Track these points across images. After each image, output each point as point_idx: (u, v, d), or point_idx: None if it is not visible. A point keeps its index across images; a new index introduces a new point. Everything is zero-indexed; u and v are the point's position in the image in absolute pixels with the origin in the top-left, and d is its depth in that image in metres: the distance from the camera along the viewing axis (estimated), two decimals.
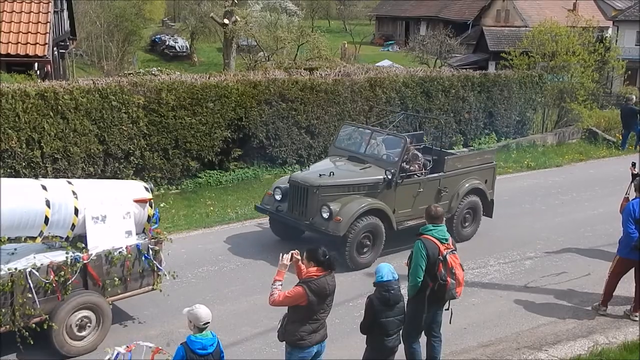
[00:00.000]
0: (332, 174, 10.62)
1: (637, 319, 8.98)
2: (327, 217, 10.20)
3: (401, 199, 10.87)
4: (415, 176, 11.07)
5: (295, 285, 6.20)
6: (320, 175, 10.57)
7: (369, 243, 10.46)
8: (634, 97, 20.94)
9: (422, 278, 6.89)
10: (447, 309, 7.20)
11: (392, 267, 6.69)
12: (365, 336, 6.76)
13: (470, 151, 12.99)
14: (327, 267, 6.25)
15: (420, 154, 11.40)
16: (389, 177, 10.62)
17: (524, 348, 8.22)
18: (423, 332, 7.31)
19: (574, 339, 8.48)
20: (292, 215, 10.72)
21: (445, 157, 11.57)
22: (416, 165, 11.15)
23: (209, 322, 5.79)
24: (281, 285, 6.21)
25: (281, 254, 6.37)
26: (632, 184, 9.23)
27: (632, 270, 8.97)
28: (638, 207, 8.63)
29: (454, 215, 11.53)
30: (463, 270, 7.21)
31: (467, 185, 11.70)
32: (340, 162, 11.33)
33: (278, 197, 11.09)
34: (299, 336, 6.21)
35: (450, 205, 11.47)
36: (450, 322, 7.23)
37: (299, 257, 6.37)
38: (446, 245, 7.03)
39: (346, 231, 10.10)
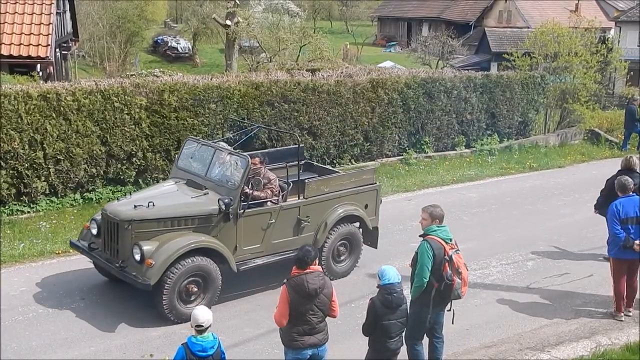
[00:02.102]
0: (151, 204, 8.67)
1: (622, 319, 8.98)
2: (138, 259, 8.35)
3: (246, 233, 9.08)
4: (269, 204, 9.38)
5: (282, 286, 6.35)
6: (135, 206, 8.62)
7: (196, 290, 8.64)
8: (638, 97, 20.91)
9: (428, 279, 6.89)
10: (449, 310, 7.20)
11: (396, 270, 6.70)
12: (367, 338, 6.77)
13: (348, 171, 11.23)
14: (298, 266, 6.31)
15: (273, 177, 9.55)
16: (223, 207, 8.77)
17: (526, 349, 8.21)
18: (426, 333, 7.30)
19: (576, 340, 8.47)
20: (105, 256, 8.86)
21: (306, 181, 9.75)
22: (269, 191, 9.37)
23: (203, 325, 5.78)
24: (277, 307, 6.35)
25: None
26: (615, 182, 9.18)
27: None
28: (622, 207, 8.66)
29: (322, 248, 9.74)
30: (467, 269, 7.21)
31: (338, 212, 9.90)
32: (174, 187, 9.47)
33: (94, 231, 9.17)
34: (291, 337, 6.29)
35: (316, 237, 9.70)
36: (452, 323, 7.22)
37: None
38: (451, 245, 7.03)
39: (160, 278, 8.26)
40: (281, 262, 9.35)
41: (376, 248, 10.58)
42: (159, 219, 8.65)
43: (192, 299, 8.63)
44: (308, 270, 6.27)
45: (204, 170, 9.53)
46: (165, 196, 9.18)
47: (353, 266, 10.30)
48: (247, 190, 9.07)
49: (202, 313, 5.82)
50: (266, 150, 11.99)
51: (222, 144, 10.34)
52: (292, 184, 9.75)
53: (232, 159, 9.40)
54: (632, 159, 10.56)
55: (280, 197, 9.54)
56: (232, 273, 8.97)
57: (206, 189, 9.18)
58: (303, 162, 11.30)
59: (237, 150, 9.88)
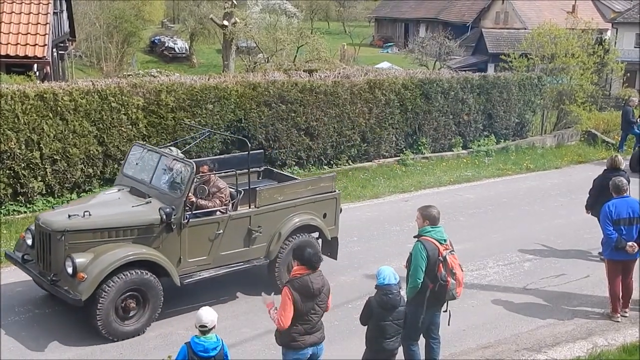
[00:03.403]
0: (87, 213, 8.16)
1: (618, 319, 9.00)
2: (71, 272, 7.86)
3: (191, 245, 8.61)
4: (218, 213, 8.93)
5: (281, 287, 6.32)
6: (69, 216, 8.10)
7: (135, 305, 8.15)
8: (634, 98, 20.97)
9: (422, 279, 6.90)
10: (445, 311, 7.21)
11: (393, 270, 6.70)
12: (364, 336, 6.78)
13: (306, 178, 10.70)
14: (308, 266, 6.27)
15: (223, 186, 9.12)
16: (164, 217, 8.30)
17: (523, 350, 8.22)
18: (422, 334, 7.31)
19: (573, 341, 8.48)
20: (39, 268, 8.35)
21: (257, 189, 9.27)
22: (217, 200, 8.95)
23: (206, 326, 5.76)
24: (276, 309, 6.31)
25: (263, 293, 6.68)
26: (610, 183, 9.20)
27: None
28: (614, 208, 8.68)
29: (276, 260, 9.31)
30: (462, 270, 7.22)
31: (293, 222, 9.40)
32: (116, 195, 8.99)
33: (29, 242, 8.69)
34: (291, 337, 6.26)
35: (269, 249, 9.28)
36: (448, 324, 7.23)
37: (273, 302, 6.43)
38: (445, 245, 7.04)
39: (93, 293, 7.79)
40: (232, 275, 9.12)
41: (336, 259, 10.00)
42: (95, 230, 8.13)
43: (130, 315, 8.14)
44: (309, 271, 6.27)
45: (148, 177, 9.03)
46: (104, 205, 8.70)
47: None
48: (193, 198, 8.61)
49: (206, 314, 5.80)
50: (220, 157, 11.53)
51: (173, 149, 9.90)
52: (243, 192, 9.33)
53: (178, 166, 8.89)
54: (617, 158, 10.62)
55: (231, 206, 9.08)
56: (176, 287, 8.51)
57: (150, 197, 8.68)
58: (262, 168, 10.99)
59: (182, 157, 9.33)
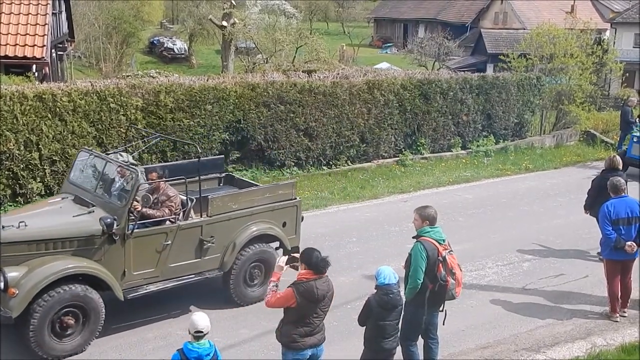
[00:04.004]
0: (22, 224, 7.64)
1: (617, 319, 9.00)
2: (2, 287, 7.35)
3: (137, 257, 8.15)
4: (167, 223, 8.49)
5: (287, 287, 6.23)
6: (3, 227, 7.56)
7: (73, 322, 7.65)
8: (633, 99, 20.97)
9: (422, 280, 6.90)
10: (442, 311, 7.21)
11: (392, 270, 6.70)
12: (363, 337, 6.78)
13: (264, 185, 10.13)
14: (316, 271, 6.22)
15: (173, 194, 8.69)
16: (105, 227, 7.77)
17: (522, 350, 8.22)
18: (420, 334, 7.31)
19: (572, 341, 8.48)
20: None
21: (209, 197, 8.81)
22: (166, 210, 8.50)
23: (202, 331, 5.70)
24: (276, 286, 6.23)
25: (278, 257, 6.39)
26: (608, 183, 9.20)
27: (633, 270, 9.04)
28: (613, 208, 8.68)
29: (230, 272, 8.91)
30: (461, 270, 7.23)
31: (249, 231, 9.00)
32: (58, 204, 8.50)
33: None
34: (292, 338, 6.24)
35: (223, 260, 8.86)
36: (443, 324, 7.23)
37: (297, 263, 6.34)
38: (444, 245, 7.04)
39: (26, 309, 7.31)
40: (182, 287, 8.69)
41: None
42: (31, 241, 7.59)
43: (68, 332, 7.64)
44: (317, 276, 6.24)
45: (93, 185, 8.62)
46: (43, 215, 8.21)
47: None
48: (139, 207, 8.22)
49: (201, 319, 5.73)
50: (173, 163, 11.15)
51: (123, 154, 9.51)
52: (194, 201, 8.87)
53: (123, 173, 8.46)
54: (616, 158, 10.63)
55: (182, 215, 8.63)
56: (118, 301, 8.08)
57: (94, 206, 8.21)
58: (224, 174, 10.63)
59: (128, 163, 8.93)
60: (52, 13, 20.80)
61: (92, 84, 13.60)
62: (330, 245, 11.18)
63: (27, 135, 12.30)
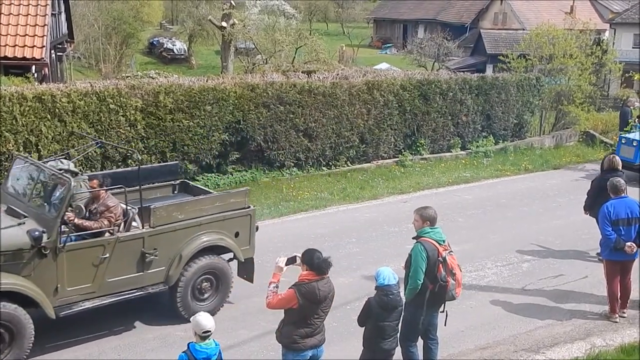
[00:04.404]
0: None
1: (617, 320, 9.00)
2: None
3: (71, 272, 7.62)
4: (107, 235, 8.00)
5: (288, 288, 6.21)
6: None
7: None
8: (632, 99, 20.98)
9: (422, 281, 6.90)
10: (443, 312, 7.21)
11: (392, 270, 6.70)
12: (362, 338, 6.78)
13: (215, 194, 9.52)
14: (318, 272, 6.20)
15: (113, 204, 8.15)
16: (33, 241, 7.29)
17: (521, 351, 8.22)
18: (420, 335, 7.31)
19: (571, 341, 8.48)
20: None
21: (152, 207, 8.29)
22: (105, 221, 8.00)
23: (210, 331, 5.72)
24: (276, 287, 6.22)
25: (278, 257, 6.38)
26: (608, 183, 9.20)
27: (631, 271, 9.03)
28: (613, 209, 8.68)
29: (177, 286, 8.41)
30: (461, 271, 7.23)
31: (197, 243, 8.49)
32: None
33: None
34: (292, 339, 6.23)
35: (169, 273, 8.36)
36: (445, 325, 7.23)
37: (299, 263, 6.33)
38: (444, 246, 7.04)
39: None
40: (123, 303, 8.23)
41: (252, 282, 9.21)
42: None
43: None
44: (319, 277, 6.23)
45: (27, 194, 8.14)
46: None
47: (221, 303, 8.90)
48: (75, 219, 7.75)
49: (206, 319, 5.69)
50: (119, 170, 10.71)
51: (64, 161, 9.02)
52: (137, 211, 8.40)
53: (56, 182, 7.93)
54: (615, 159, 10.63)
55: (123, 226, 8.17)
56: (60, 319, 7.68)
57: (26, 217, 7.71)
58: (178, 182, 10.17)
59: (64, 171, 8.40)
60: (52, 14, 20.80)
61: (91, 85, 13.59)
62: (329, 246, 11.17)
63: (27, 136, 12.30)
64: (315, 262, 6.20)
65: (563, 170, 17.95)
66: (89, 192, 8.33)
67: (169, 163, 10.92)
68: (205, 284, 8.71)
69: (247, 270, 9.25)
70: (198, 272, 8.56)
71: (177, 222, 8.40)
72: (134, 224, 8.42)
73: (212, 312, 8.37)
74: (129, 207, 8.40)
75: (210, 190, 10.25)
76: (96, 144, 11.37)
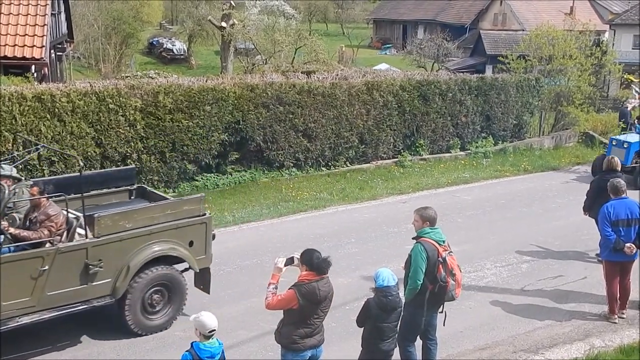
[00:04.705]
0: None
1: (616, 321, 9.01)
2: None
3: (7, 285, 7.17)
4: (47, 245, 7.55)
5: (288, 289, 6.20)
6: None
7: None
8: (632, 100, 20.98)
9: (422, 281, 6.89)
10: (442, 312, 7.21)
11: (392, 272, 6.69)
12: (360, 338, 6.78)
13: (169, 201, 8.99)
14: (318, 272, 6.20)
15: (55, 212, 7.67)
16: None
17: (520, 351, 8.22)
18: (419, 335, 7.31)
19: (570, 342, 8.48)
20: None
21: (95, 215, 7.82)
22: (45, 230, 7.55)
23: (215, 330, 5.72)
24: (275, 288, 6.20)
25: (276, 258, 6.37)
26: (608, 184, 9.20)
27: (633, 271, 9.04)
28: (613, 210, 8.69)
29: (125, 299, 8.00)
30: (461, 271, 7.23)
31: (147, 253, 8.05)
32: None
33: None
34: (292, 339, 6.22)
35: (115, 285, 7.93)
36: (444, 325, 7.23)
37: (298, 263, 6.32)
38: (444, 246, 7.04)
39: None
40: (63, 318, 7.84)
41: (209, 293, 8.88)
42: None
43: None
44: (318, 277, 6.21)
45: None
46: None
47: (175, 316, 8.48)
48: (11, 229, 7.40)
49: (210, 319, 5.65)
50: (63, 176, 10.31)
51: (5, 166, 8.61)
52: (80, 219, 7.91)
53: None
54: (614, 160, 10.63)
55: (66, 236, 7.74)
56: None
57: None
58: (135, 187, 9.74)
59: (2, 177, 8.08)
60: (51, 14, 20.78)
61: (91, 85, 13.60)
62: (329, 246, 11.18)
63: (26, 136, 12.28)
64: (315, 262, 6.18)
65: (562, 171, 17.95)
66: (29, 200, 7.84)
67: (124, 168, 10.42)
68: (157, 296, 8.29)
69: (203, 280, 8.85)
70: (148, 284, 8.14)
71: (124, 232, 7.93)
72: (80, 232, 7.92)
73: (165, 326, 8.35)
74: (72, 216, 7.93)
75: (167, 197, 9.68)
76: (37, 150, 10.99)
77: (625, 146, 16.05)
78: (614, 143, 16.50)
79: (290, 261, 6.31)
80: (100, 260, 7.77)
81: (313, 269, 6.19)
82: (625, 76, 21.73)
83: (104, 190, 9.35)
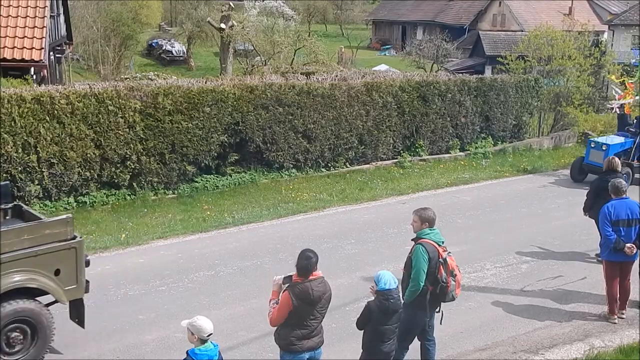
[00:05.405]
0: None
1: (615, 321, 9.01)
2: None
3: None
4: None
5: (282, 291, 6.24)
6: None
7: None
8: (612, 102, 21.05)
9: (424, 282, 6.89)
10: (438, 312, 7.21)
11: (392, 274, 6.68)
12: (361, 340, 6.77)
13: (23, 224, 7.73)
14: (304, 272, 6.18)
15: None
16: None
17: (520, 352, 8.22)
18: (417, 336, 7.31)
19: (570, 342, 8.48)
20: None
21: None
22: None
23: (212, 334, 5.70)
24: (276, 303, 6.24)
25: (274, 277, 6.40)
26: (609, 184, 9.20)
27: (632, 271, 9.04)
28: (613, 209, 8.69)
29: None
30: (460, 272, 7.23)
31: None
32: None
33: None
34: (289, 341, 6.24)
35: None
36: (440, 323, 7.23)
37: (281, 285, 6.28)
38: (443, 247, 7.05)
39: None
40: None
41: (83, 328, 7.82)
42: None
43: None
44: (312, 277, 6.20)
45: None
46: None
47: (40, 355, 7.38)
48: None
49: (207, 323, 5.58)
50: None
51: None
52: None
53: None
54: (615, 161, 10.64)
55: None
56: None
57: None
58: (11, 205, 8.50)
59: None
60: (50, 16, 20.79)
61: (90, 87, 13.60)
62: (328, 247, 11.18)
63: (25, 138, 12.30)
64: (298, 265, 6.19)
65: (562, 171, 17.95)
66: None
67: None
68: (16, 334, 7.18)
69: (78, 312, 7.75)
70: (3, 320, 7.04)
71: None
72: None
73: None
74: None
75: (40, 216, 8.25)
76: None
77: (603, 148, 15.64)
78: (592, 145, 16.14)
79: (288, 280, 6.31)
80: None
81: (298, 271, 6.21)
82: (607, 76, 21.71)
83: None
